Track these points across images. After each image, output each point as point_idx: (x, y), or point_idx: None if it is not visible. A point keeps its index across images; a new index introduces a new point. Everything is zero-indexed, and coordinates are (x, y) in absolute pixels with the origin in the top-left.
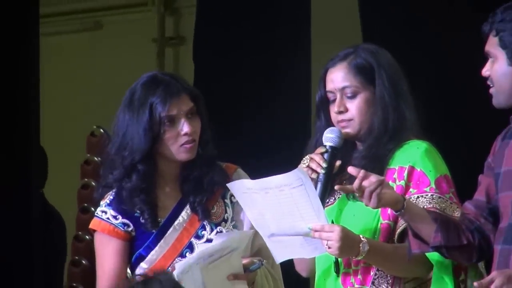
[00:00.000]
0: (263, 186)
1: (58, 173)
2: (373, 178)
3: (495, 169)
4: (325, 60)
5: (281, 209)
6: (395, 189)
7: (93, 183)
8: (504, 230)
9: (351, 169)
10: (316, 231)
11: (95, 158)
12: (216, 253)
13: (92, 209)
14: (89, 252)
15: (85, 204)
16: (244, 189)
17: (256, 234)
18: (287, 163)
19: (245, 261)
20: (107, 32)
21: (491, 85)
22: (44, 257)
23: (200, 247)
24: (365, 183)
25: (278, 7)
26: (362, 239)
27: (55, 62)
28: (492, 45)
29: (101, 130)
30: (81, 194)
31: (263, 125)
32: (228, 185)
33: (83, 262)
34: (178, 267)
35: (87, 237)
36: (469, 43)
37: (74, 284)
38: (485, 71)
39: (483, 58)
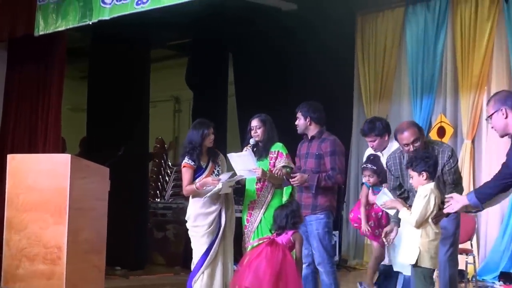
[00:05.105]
0: (236, 154)
1: None
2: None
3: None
4: None
5: (242, 161)
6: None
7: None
8: None
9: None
10: (254, 169)
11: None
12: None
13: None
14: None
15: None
16: (232, 155)
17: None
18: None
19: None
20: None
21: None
22: None
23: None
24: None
25: None
26: (268, 171)
27: None
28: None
29: (160, 138)
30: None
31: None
32: (228, 155)
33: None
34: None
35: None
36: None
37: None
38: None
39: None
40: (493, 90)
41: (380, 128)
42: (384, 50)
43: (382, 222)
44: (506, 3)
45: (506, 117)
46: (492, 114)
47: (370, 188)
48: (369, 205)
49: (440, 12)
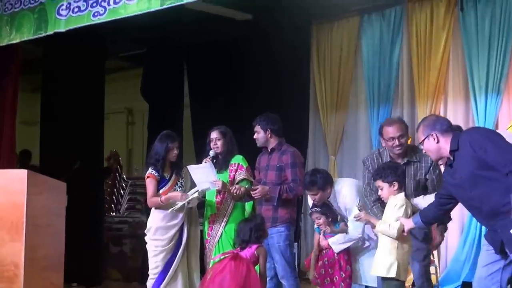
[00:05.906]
0: (196, 166)
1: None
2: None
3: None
4: None
5: (202, 173)
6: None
7: None
8: None
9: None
10: (214, 181)
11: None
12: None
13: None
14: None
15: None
16: (192, 167)
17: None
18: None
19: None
20: None
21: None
22: None
23: (179, 189)
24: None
25: None
26: (228, 185)
27: None
28: None
29: (114, 150)
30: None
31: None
32: (188, 167)
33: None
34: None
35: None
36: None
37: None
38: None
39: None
40: (450, 98)
41: (320, 182)
42: (340, 59)
43: (335, 268)
44: (462, 12)
45: (438, 142)
46: (423, 140)
47: (321, 233)
48: (321, 251)
49: (395, 21)
